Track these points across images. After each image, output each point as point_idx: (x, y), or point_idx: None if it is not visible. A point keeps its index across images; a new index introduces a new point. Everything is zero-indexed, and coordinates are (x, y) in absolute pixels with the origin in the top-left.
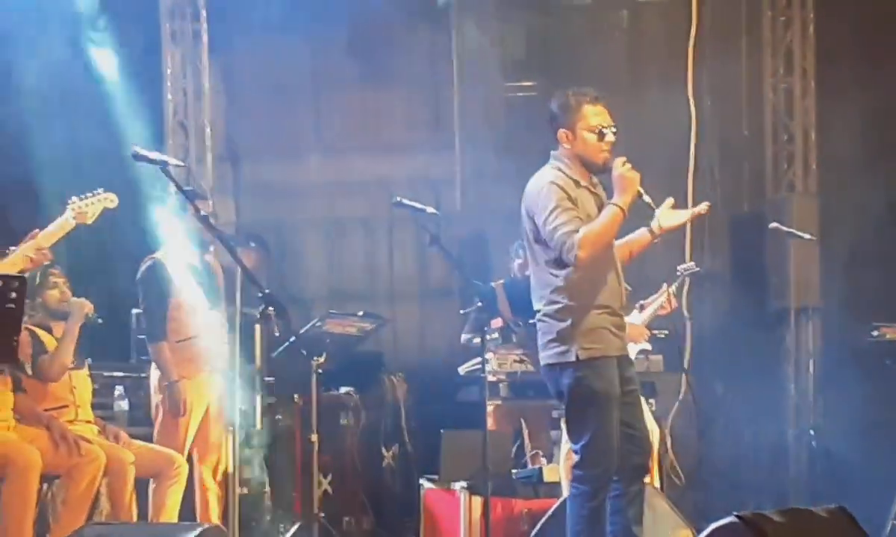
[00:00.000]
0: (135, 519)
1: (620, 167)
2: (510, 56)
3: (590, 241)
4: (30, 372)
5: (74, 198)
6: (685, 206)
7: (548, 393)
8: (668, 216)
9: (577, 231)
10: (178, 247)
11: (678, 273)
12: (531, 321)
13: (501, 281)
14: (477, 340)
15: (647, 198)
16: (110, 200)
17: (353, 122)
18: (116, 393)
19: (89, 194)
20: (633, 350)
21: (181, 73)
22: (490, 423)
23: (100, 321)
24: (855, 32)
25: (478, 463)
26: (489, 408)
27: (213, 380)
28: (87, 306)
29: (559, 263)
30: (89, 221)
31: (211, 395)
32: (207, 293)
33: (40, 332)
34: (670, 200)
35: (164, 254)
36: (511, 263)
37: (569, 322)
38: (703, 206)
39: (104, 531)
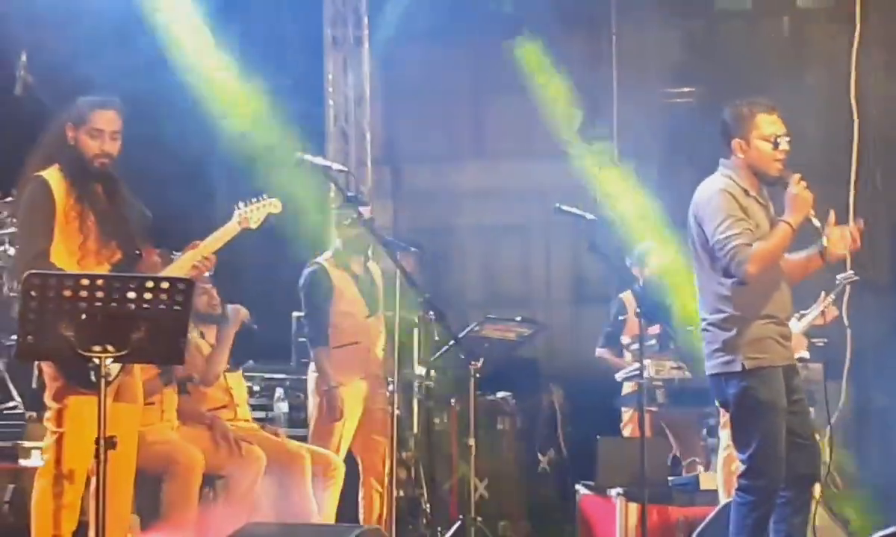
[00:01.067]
0: (311, 512)
1: (795, 186)
2: (669, 62)
3: (760, 258)
4: (196, 378)
5: (240, 204)
6: (846, 215)
7: (705, 400)
8: (836, 244)
9: (749, 245)
10: (341, 253)
11: (837, 282)
12: (688, 328)
13: (629, 291)
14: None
15: (815, 222)
16: (274, 206)
17: (511, 128)
18: (277, 395)
19: (254, 200)
20: None
21: (342, 79)
22: (646, 430)
23: (255, 327)
24: None
25: (634, 470)
26: (645, 415)
27: (372, 385)
28: (242, 312)
29: (727, 272)
30: (254, 226)
31: (368, 400)
32: (368, 300)
33: (193, 337)
34: (832, 217)
35: (328, 260)
36: (638, 269)
37: (734, 331)
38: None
39: (264, 530)
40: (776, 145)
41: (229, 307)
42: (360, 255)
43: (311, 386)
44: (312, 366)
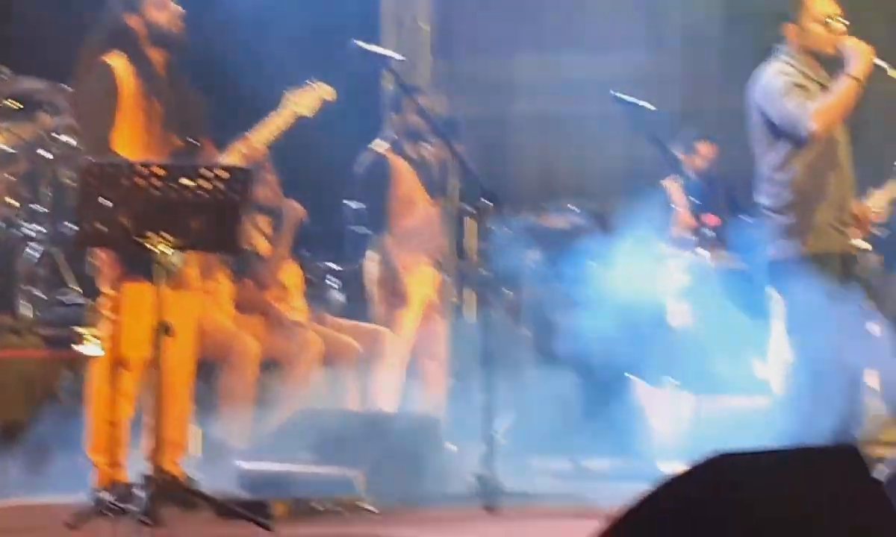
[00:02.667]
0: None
1: (850, 42)
2: None
3: (824, 111)
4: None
5: (290, 90)
6: None
7: None
8: (857, 57)
9: (808, 104)
10: (398, 141)
11: None
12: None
13: (680, 180)
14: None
15: (882, 64)
16: (327, 92)
17: (569, 17)
18: (331, 284)
19: (303, 85)
20: None
21: None
22: None
23: (309, 225)
24: None
25: None
26: None
27: (432, 272)
28: (299, 211)
29: (795, 141)
30: (308, 114)
31: (430, 288)
32: (428, 186)
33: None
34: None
35: (385, 149)
36: (690, 159)
37: (793, 217)
38: None
39: (320, 415)
40: (827, 26)
41: (287, 203)
42: (416, 142)
43: (371, 275)
44: (371, 254)
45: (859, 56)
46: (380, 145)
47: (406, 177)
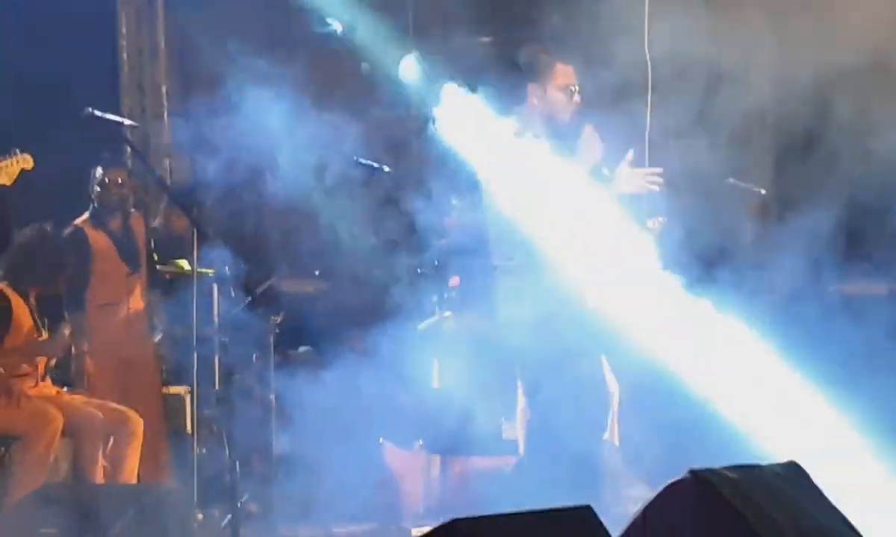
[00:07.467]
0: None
1: (586, 133)
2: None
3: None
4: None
5: None
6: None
7: None
8: (622, 183)
9: None
10: (99, 212)
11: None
12: None
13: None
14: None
15: (605, 171)
16: (27, 161)
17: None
18: None
19: (5, 155)
20: None
21: (136, 31)
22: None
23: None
24: None
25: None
26: None
27: (137, 343)
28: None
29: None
30: (8, 183)
31: (134, 357)
32: (128, 258)
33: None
34: (630, 155)
35: (85, 221)
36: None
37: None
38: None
39: (61, 491)
40: (571, 95)
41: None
42: (118, 213)
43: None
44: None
45: (591, 147)
46: (80, 218)
47: (105, 250)
